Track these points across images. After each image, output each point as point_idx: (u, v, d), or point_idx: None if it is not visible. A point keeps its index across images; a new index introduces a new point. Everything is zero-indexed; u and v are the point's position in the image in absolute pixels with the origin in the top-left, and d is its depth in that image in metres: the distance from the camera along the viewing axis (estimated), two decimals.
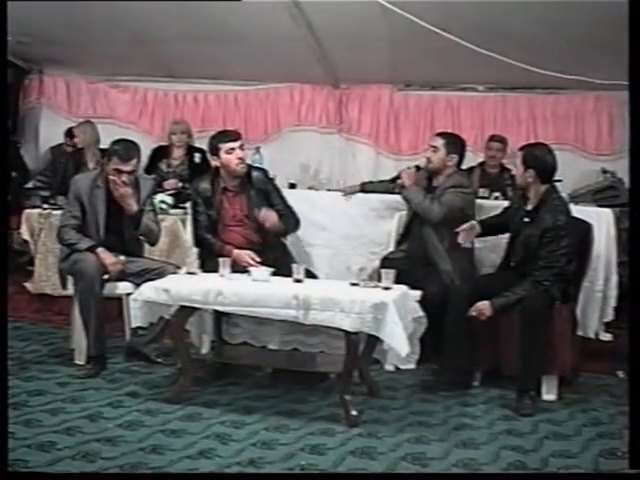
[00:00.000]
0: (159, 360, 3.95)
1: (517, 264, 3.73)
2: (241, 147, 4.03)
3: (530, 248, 3.62)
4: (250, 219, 4.06)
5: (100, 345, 3.79)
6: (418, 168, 4.26)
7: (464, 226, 3.87)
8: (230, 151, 3.99)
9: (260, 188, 4.09)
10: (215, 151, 4.03)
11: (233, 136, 4.06)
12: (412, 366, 3.98)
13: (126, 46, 5.50)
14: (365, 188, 4.63)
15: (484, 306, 3.55)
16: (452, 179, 4.10)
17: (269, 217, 3.97)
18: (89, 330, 3.75)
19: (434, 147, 4.14)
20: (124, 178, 3.86)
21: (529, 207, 3.69)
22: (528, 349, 3.45)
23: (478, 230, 3.92)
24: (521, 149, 3.75)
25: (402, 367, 3.98)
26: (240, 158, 4.00)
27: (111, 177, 3.87)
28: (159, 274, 3.76)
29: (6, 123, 5.06)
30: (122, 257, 3.91)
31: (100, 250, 3.83)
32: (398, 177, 4.32)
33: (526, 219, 3.68)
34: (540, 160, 3.65)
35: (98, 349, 3.77)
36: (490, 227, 3.96)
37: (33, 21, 4.94)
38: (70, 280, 3.94)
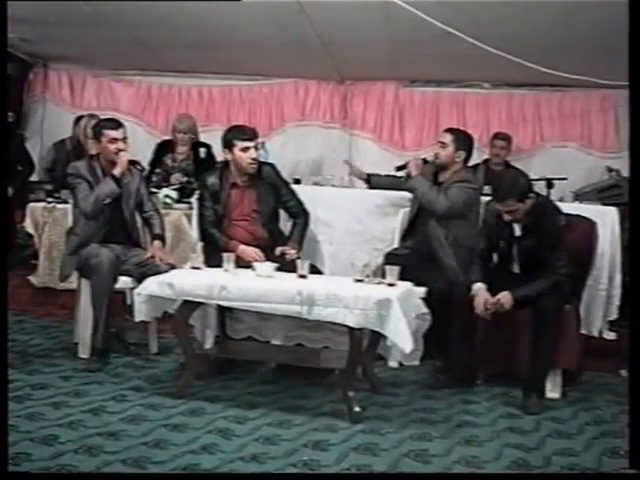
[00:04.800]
0: (132, 348, 3.99)
1: (521, 269, 3.64)
2: (256, 147, 4.02)
3: (531, 255, 3.54)
4: (258, 214, 4.06)
5: (107, 339, 3.79)
6: (425, 161, 4.24)
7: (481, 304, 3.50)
8: (245, 149, 3.97)
9: (270, 183, 4.09)
10: (229, 145, 4.00)
11: (250, 134, 4.02)
12: (416, 362, 3.97)
13: (130, 43, 5.49)
14: (372, 180, 4.62)
15: (505, 298, 3.40)
16: (458, 175, 4.10)
17: (289, 254, 3.94)
18: (99, 324, 3.74)
19: (442, 143, 4.12)
20: (120, 145, 3.90)
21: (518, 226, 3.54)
22: (541, 348, 3.40)
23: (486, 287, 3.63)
24: (504, 192, 3.41)
25: (406, 363, 3.97)
26: (253, 158, 3.99)
27: (111, 148, 3.89)
28: (157, 266, 3.77)
29: (6, 117, 5.03)
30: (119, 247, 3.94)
31: None
32: (404, 166, 4.27)
33: (517, 233, 3.54)
34: (527, 185, 3.46)
35: (105, 343, 3.77)
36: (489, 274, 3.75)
37: (35, 18, 4.94)
38: (75, 275, 3.95)
